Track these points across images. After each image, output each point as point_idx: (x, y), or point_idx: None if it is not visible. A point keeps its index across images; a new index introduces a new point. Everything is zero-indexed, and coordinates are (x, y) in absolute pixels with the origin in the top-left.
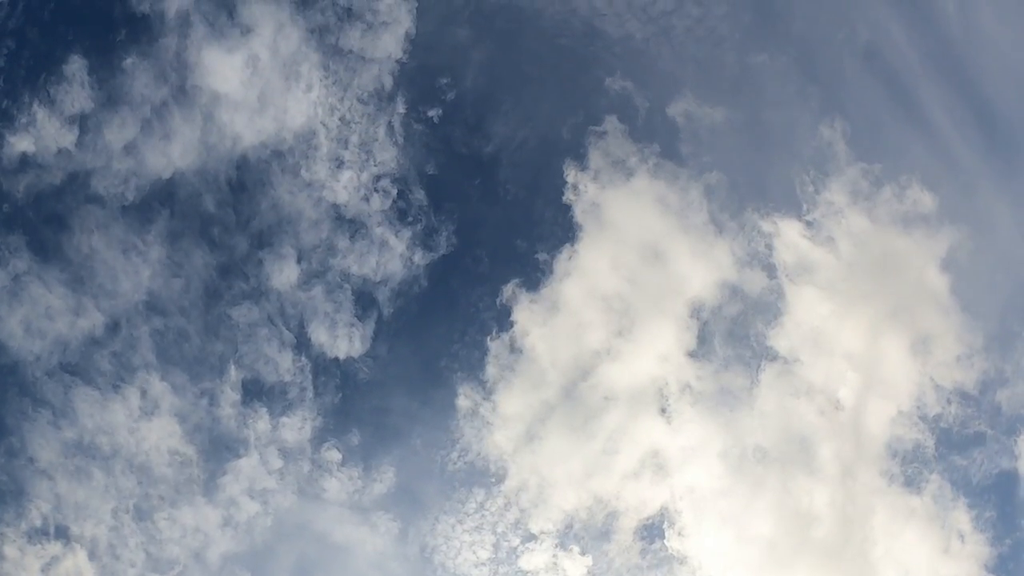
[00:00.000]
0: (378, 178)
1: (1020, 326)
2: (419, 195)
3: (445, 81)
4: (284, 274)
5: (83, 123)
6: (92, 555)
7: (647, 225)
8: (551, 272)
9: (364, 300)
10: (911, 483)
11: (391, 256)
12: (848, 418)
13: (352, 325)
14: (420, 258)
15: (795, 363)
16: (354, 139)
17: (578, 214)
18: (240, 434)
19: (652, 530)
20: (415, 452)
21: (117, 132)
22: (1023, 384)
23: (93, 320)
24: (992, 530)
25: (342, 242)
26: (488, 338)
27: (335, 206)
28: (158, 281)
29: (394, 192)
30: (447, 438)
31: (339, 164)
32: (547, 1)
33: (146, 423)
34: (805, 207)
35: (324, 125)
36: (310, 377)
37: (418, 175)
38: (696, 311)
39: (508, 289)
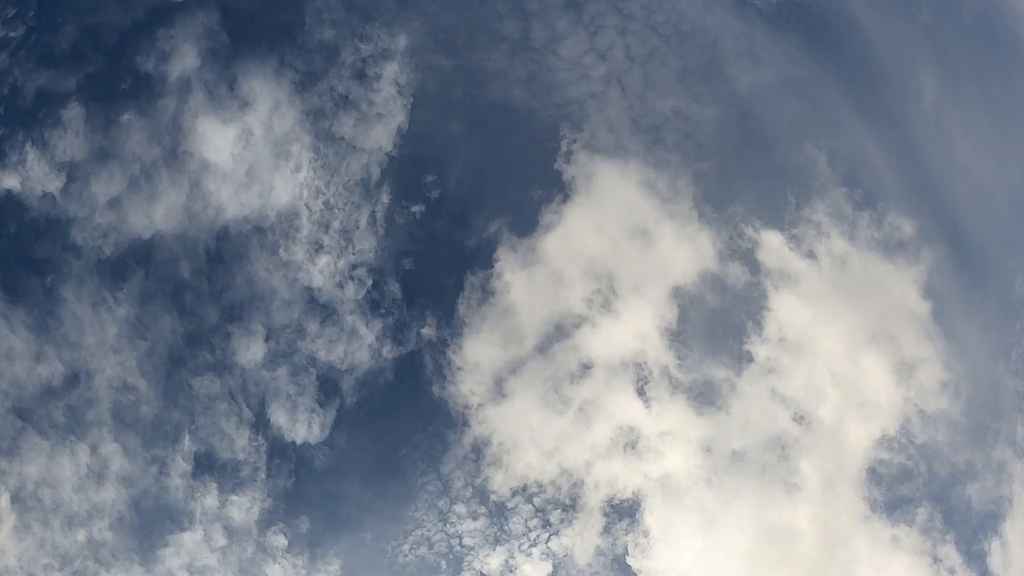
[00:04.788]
0: (355, 266)
1: (991, 418)
2: (394, 288)
3: (431, 178)
4: (251, 351)
5: (72, 171)
6: None
7: (634, 203)
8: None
9: (328, 387)
10: (895, 510)
11: (360, 346)
12: (829, 436)
13: (313, 411)
14: (388, 351)
15: (775, 372)
16: (336, 224)
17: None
18: (186, 507)
19: (622, 512)
20: (364, 544)
21: (104, 185)
22: (992, 478)
23: (53, 369)
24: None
25: (312, 326)
26: (467, 272)
27: (309, 289)
28: (123, 340)
29: (369, 282)
30: (399, 529)
31: (318, 248)
32: (541, 103)
33: (92, 482)
34: (787, 219)
35: (308, 207)
36: (264, 458)
37: (395, 268)
38: (676, 292)
39: (494, 226)
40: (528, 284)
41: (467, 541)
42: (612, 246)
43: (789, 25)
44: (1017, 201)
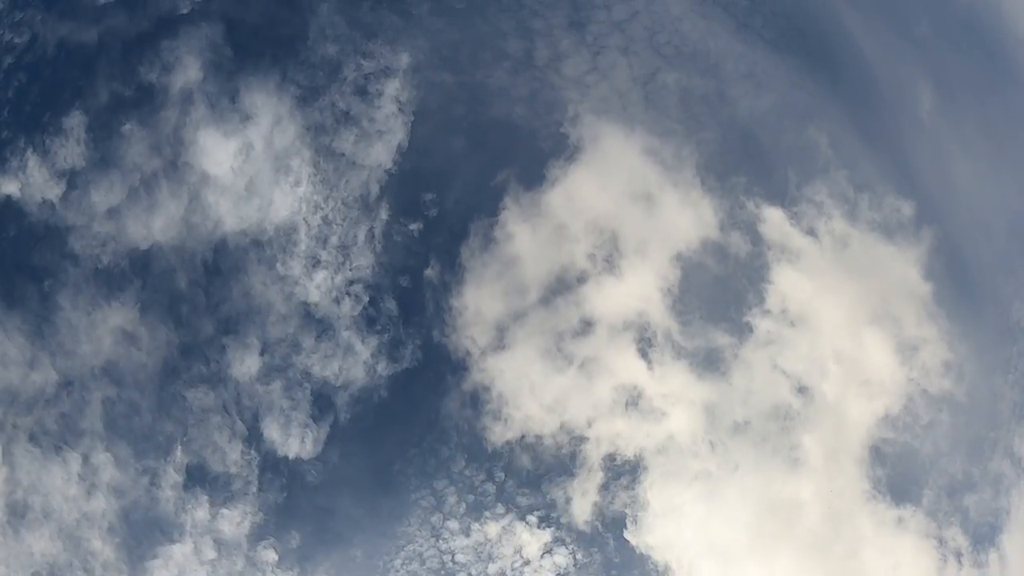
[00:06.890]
0: (351, 282)
1: (988, 428)
2: (390, 305)
3: (430, 196)
4: (245, 364)
5: (72, 179)
6: None
7: (637, 168)
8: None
9: (322, 402)
10: (900, 491)
11: (355, 362)
12: (832, 411)
13: (306, 426)
14: (383, 368)
15: (776, 343)
16: (333, 240)
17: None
18: (177, 519)
19: (622, 471)
20: (355, 559)
21: (103, 195)
22: (990, 490)
23: (47, 376)
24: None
25: (308, 341)
26: (472, 219)
27: (305, 304)
28: (118, 350)
29: (365, 299)
30: (391, 545)
31: (315, 263)
32: (542, 122)
33: (83, 491)
34: (788, 198)
35: (306, 222)
36: (256, 472)
37: (392, 285)
38: (679, 257)
39: (502, 175)
40: (532, 236)
41: (460, 558)
42: (616, 207)
43: (790, 48)
44: (1015, 224)
